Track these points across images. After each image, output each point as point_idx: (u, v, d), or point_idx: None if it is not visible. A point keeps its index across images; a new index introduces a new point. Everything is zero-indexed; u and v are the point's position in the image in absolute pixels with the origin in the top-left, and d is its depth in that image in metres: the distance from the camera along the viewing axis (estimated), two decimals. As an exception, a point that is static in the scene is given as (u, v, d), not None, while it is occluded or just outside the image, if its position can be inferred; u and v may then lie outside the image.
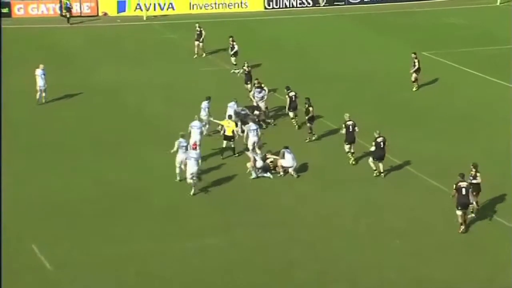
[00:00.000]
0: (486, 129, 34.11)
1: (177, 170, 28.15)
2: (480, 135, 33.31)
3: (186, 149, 28.04)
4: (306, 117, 32.35)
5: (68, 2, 51.68)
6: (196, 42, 44.50)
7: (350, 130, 29.85)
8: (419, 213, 26.47)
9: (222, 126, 31.29)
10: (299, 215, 26.28)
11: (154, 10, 54.87)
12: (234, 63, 41.55)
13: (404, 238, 24.85)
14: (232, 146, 30.86)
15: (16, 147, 31.18)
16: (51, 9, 53.45)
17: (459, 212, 25.05)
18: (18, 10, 53.01)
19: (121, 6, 54.66)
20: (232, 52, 41.79)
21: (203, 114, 31.88)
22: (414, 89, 39.31)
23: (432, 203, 27.04)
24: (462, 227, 25.14)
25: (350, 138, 29.97)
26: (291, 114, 33.63)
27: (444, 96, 38.71)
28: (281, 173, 29.04)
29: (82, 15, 53.30)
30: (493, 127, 34.18)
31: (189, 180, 27.26)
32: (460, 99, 38.31)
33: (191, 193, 27.25)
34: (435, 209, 26.63)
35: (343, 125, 30.04)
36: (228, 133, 30.78)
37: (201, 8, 55.73)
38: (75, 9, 52.82)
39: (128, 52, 44.92)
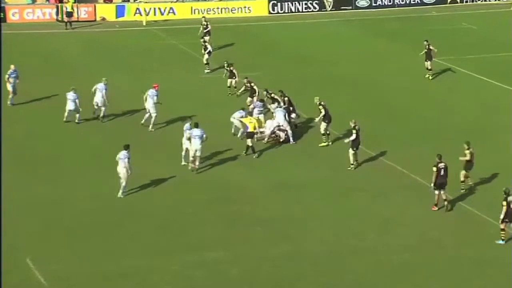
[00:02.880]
0: (498, 138, 34.24)
1: (183, 153, 30.21)
2: (492, 145, 33.41)
3: (201, 139, 30.07)
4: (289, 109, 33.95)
5: (68, 7, 51.97)
6: (206, 38, 44.68)
7: (356, 136, 30.58)
8: (428, 227, 26.57)
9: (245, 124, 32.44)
10: (305, 228, 26.42)
11: (154, 15, 55.20)
12: (206, 62, 41.92)
13: (413, 253, 24.95)
14: (251, 144, 31.94)
15: (10, 157, 31.37)
16: (47, 14, 53.76)
17: (436, 192, 26.89)
18: (12, 15, 53.30)
19: (120, 11, 55.00)
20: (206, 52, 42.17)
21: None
22: (430, 77, 40.92)
23: (442, 216, 27.16)
24: (436, 207, 27.01)
25: (356, 144, 30.63)
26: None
27: (455, 104, 38.89)
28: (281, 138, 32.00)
29: (80, 20, 53.61)
30: (506, 136, 34.31)
31: (191, 158, 29.70)
32: (472, 106, 38.47)
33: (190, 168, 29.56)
34: (446, 222, 26.74)
35: (353, 131, 30.55)
36: (251, 129, 32.01)
37: (203, 12, 56.00)
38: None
39: (127, 59, 45.22)
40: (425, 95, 40.28)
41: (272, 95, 35.59)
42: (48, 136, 34.22)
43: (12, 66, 35.49)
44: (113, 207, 27.65)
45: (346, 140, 31.01)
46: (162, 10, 55.68)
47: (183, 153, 30.69)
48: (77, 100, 34.63)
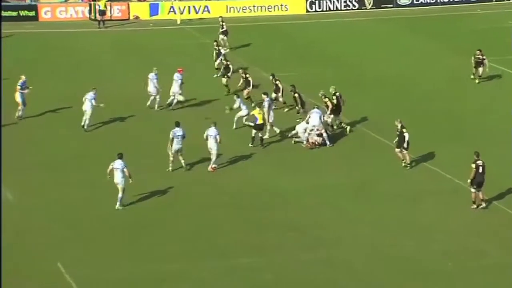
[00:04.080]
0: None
1: (171, 158, 30.27)
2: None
3: (183, 138, 30.25)
4: (298, 106, 35.11)
5: (101, 5, 52.54)
6: (222, 36, 45.00)
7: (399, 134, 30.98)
8: (470, 233, 26.53)
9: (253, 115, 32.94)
10: (338, 234, 26.53)
11: (189, 13, 55.59)
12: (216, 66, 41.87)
13: (452, 260, 24.92)
14: (260, 135, 32.70)
15: (37, 160, 31.85)
16: (80, 13, 54.39)
17: (473, 190, 27.22)
18: (45, 14, 54.03)
19: (153, 9, 55.49)
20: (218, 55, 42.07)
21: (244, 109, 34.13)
22: (477, 81, 41.09)
23: (484, 222, 27.06)
24: (474, 205, 27.23)
25: (400, 142, 30.98)
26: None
27: (498, 106, 38.62)
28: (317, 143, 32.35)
29: (113, 18, 54.19)
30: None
31: (171, 158, 30.33)
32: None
33: (169, 169, 30.24)
34: (488, 228, 26.65)
35: (402, 130, 30.94)
36: (260, 121, 32.48)
37: (238, 11, 56.31)
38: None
39: (159, 58, 45.52)
40: (466, 96, 40.11)
41: (277, 82, 36.24)
42: (73, 137, 34.55)
43: (23, 77, 35.45)
44: (143, 211, 27.96)
45: (395, 141, 31.18)
46: (197, 8, 56.07)
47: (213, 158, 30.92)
48: (93, 101, 34.72)
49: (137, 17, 55.13)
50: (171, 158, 30.65)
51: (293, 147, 33.47)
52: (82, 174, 30.41)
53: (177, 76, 37.00)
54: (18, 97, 35.21)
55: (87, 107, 34.64)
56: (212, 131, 30.58)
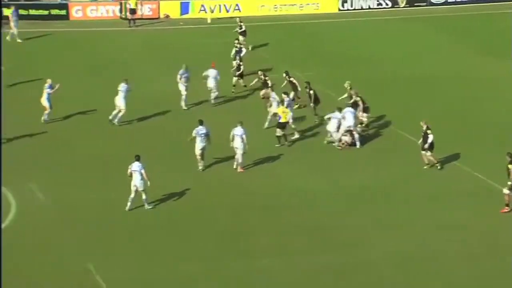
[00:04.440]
0: None
1: (198, 157, 30.49)
2: None
3: (207, 137, 30.22)
4: (311, 103, 35.21)
5: (131, 4, 52.81)
6: (241, 37, 45.12)
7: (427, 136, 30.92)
8: (501, 235, 26.42)
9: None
10: (364, 236, 26.50)
11: (220, 12, 55.72)
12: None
13: (482, 263, 24.78)
14: (283, 133, 32.86)
15: (70, 160, 32.10)
16: (111, 11, 54.73)
17: (507, 191, 27.06)
18: (76, 13, 54.45)
19: (184, 8, 55.70)
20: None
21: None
22: None
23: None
24: (507, 208, 27.09)
25: (429, 145, 30.89)
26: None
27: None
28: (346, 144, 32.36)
29: (143, 17, 54.47)
30: None
31: (198, 157, 30.39)
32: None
33: (200, 168, 30.32)
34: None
35: (427, 131, 30.96)
36: (283, 120, 32.60)
37: (269, 9, 56.32)
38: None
39: (188, 58, 45.53)
40: (499, 98, 39.72)
41: (291, 79, 36.43)
42: (102, 135, 34.77)
43: (49, 80, 35.44)
44: (172, 212, 28.13)
45: (420, 142, 31.14)
46: (228, 7, 56.18)
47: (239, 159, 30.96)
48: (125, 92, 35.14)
49: (167, 16, 55.36)
50: (198, 157, 30.73)
51: (322, 147, 33.48)
52: (112, 174, 30.60)
53: (212, 72, 37.35)
54: (45, 101, 35.28)
55: (120, 100, 34.93)
56: (238, 131, 30.64)
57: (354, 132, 33.26)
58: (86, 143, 33.94)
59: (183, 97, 37.35)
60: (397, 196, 29.22)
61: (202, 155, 30.75)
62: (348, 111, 33.40)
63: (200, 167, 30.88)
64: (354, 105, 34.25)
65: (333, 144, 33.41)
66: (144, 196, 27.70)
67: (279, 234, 26.57)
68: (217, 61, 39.58)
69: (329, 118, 33.53)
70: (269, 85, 37.21)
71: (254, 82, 38.53)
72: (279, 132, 33.27)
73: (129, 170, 27.62)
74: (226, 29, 52.81)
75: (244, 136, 30.54)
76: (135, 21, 52.91)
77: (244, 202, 28.87)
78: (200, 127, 30.77)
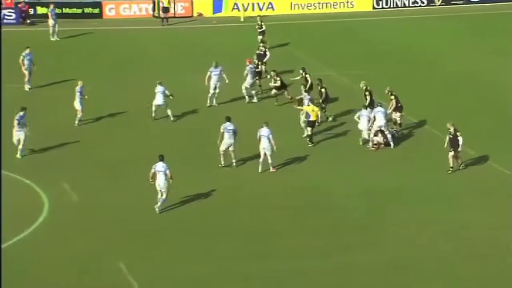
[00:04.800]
0: None
1: (221, 153, 30.71)
2: None
3: (234, 133, 30.38)
4: (321, 100, 35.07)
5: (164, 2, 53.05)
6: (260, 37, 45.20)
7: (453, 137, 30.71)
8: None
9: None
10: (403, 236, 26.42)
11: (253, 10, 55.78)
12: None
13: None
14: (310, 133, 32.99)
15: (98, 161, 32.26)
16: (144, 10, 55.01)
17: None
18: (109, 11, 54.82)
19: (217, 6, 55.83)
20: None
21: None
22: None
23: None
24: None
25: (454, 146, 30.62)
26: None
27: None
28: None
29: (176, 15, 54.69)
30: None
31: (221, 153, 30.69)
32: None
33: (221, 164, 30.63)
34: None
35: (454, 133, 30.78)
36: (313, 118, 32.72)
37: (303, 8, 56.28)
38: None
39: (221, 57, 45.59)
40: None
41: (307, 76, 36.62)
42: (135, 135, 34.92)
43: (80, 82, 35.44)
44: (206, 211, 28.21)
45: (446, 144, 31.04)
46: (261, 5, 56.21)
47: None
48: (166, 91, 35.37)
49: (200, 14, 55.53)
50: (221, 153, 30.88)
51: (353, 147, 33.37)
52: (144, 174, 30.76)
53: (251, 68, 37.61)
54: (77, 104, 35.27)
55: (159, 100, 35.32)
56: (264, 131, 30.60)
57: (387, 132, 33.09)
58: (117, 143, 34.13)
59: (209, 94, 37.36)
60: (431, 196, 29.08)
61: (227, 151, 30.83)
62: (379, 111, 33.21)
63: (222, 163, 30.99)
64: (370, 105, 34.04)
65: (367, 146, 33.26)
66: (163, 196, 27.59)
67: (316, 234, 26.54)
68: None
69: (358, 117, 33.41)
70: (286, 86, 37.27)
71: (297, 77, 38.27)
72: (309, 131, 33.29)
73: (152, 170, 27.57)
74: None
75: (271, 137, 30.52)
76: (167, 19, 53.13)
77: (271, 202, 28.84)
78: (228, 123, 30.96)
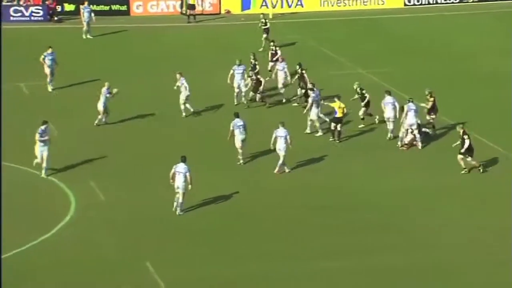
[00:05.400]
0: None
1: (239, 151, 31.06)
2: None
3: (245, 129, 30.63)
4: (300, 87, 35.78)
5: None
6: (265, 35, 45.02)
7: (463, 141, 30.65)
8: None
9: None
10: (439, 237, 26.35)
11: (282, 7, 55.75)
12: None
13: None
14: (339, 129, 32.99)
15: (125, 159, 32.40)
16: (171, 7, 55.20)
17: None
18: (136, 8, 55.07)
19: (245, 4, 55.86)
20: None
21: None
22: None
23: None
24: None
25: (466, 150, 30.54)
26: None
27: None
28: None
29: (204, 13, 54.82)
30: None
31: (239, 150, 31.06)
32: None
33: (240, 162, 30.92)
34: None
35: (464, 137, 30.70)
36: (339, 114, 32.95)
37: (332, 5, 56.15)
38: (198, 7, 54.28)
39: (244, 54, 45.61)
40: None
41: (303, 72, 36.57)
42: (162, 132, 35.06)
43: (107, 84, 35.31)
44: (231, 211, 28.30)
45: (454, 145, 30.94)
46: (290, 2, 56.17)
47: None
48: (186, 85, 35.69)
49: (228, 12, 55.61)
50: (239, 150, 31.05)
51: (385, 146, 33.28)
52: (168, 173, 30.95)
53: (281, 66, 37.60)
54: (100, 105, 35.17)
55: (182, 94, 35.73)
56: (281, 132, 30.60)
57: (415, 132, 32.91)
58: (145, 141, 34.26)
59: (235, 93, 37.39)
60: (467, 197, 28.97)
61: (242, 148, 31.05)
62: (412, 109, 33.00)
63: (240, 161, 31.08)
64: (367, 105, 34.20)
65: (397, 145, 33.14)
66: (180, 200, 27.60)
67: (344, 235, 26.56)
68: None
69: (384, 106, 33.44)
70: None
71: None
72: (333, 126, 33.38)
73: (172, 171, 27.59)
74: (288, 25, 52.90)
75: (288, 137, 30.47)
76: (194, 16, 53.26)
77: (305, 203, 28.86)
78: (237, 119, 31.27)
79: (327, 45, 47.37)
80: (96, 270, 24.74)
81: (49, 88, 39.55)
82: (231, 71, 37.61)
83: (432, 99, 34.12)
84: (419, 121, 33.21)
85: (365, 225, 27.17)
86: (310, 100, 34.34)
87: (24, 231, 26.50)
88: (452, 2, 57.22)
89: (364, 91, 34.81)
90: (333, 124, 33.50)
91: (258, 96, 37.44)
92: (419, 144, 33.00)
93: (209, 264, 25.03)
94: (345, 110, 33.53)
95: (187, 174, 27.31)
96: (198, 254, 25.58)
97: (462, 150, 30.51)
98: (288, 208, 28.46)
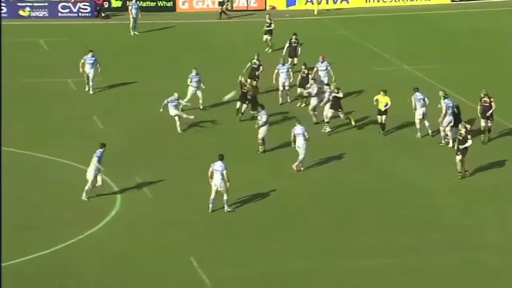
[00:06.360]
0: None
1: (260, 141, 31.82)
2: None
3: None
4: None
5: (223, -4, 53.21)
6: (266, 36, 44.67)
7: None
8: None
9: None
10: (479, 236, 26.17)
11: (327, 3, 55.66)
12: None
13: None
14: (383, 122, 33.17)
15: (170, 156, 32.46)
16: (216, 3, 55.36)
17: None
18: (182, 4, 55.39)
19: (290, 0, 55.86)
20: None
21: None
22: None
23: None
24: None
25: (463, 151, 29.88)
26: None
27: None
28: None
29: (249, 9, 54.93)
30: None
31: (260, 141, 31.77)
32: None
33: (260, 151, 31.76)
34: None
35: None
36: (381, 107, 33.13)
37: (378, 1, 55.89)
38: (237, 3, 54.35)
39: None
40: None
41: (308, 73, 36.23)
42: (212, 129, 34.98)
43: (176, 94, 34.32)
44: (275, 208, 28.29)
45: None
46: (335, -1, 56.07)
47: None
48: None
49: (273, 8, 55.64)
50: (260, 141, 31.74)
51: (427, 143, 33.08)
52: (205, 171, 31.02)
53: (321, 66, 37.35)
54: (173, 112, 34.36)
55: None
56: (299, 129, 30.43)
57: (448, 130, 32.37)
58: (189, 139, 34.22)
59: (280, 92, 37.30)
60: (505, 196, 28.77)
61: (263, 139, 31.71)
62: (450, 106, 32.36)
63: (260, 150, 31.62)
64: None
65: (441, 143, 32.94)
66: (225, 197, 27.58)
67: (391, 233, 26.45)
68: (325, 54, 39.35)
69: (414, 102, 33.19)
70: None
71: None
72: (379, 119, 33.60)
73: (210, 169, 27.56)
74: (333, 21, 52.74)
75: (306, 134, 30.36)
76: (226, 13, 53.15)
77: (350, 198, 28.84)
78: (263, 111, 31.92)
79: (372, 41, 47.10)
80: (140, 265, 24.93)
81: (90, 92, 38.77)
82: (276, 70, 37.60)
83: (488, 99, 32.73)
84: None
85: (412, 223, 27.01)
86: (326, 95, 34.19)
87: (71, 225, 26.87)
88: (499, -1, 56.49)
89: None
90: (379, 117, 33.63)
91: (244, 107, 35.32)
92: (450, 142, 32.19)
93: (254, 261, 25.03)
94: (388, 104, 33.34)
95: (224, 172, 27.30)
96: (241, 250, 25.61)
97: (461, 147, 29.54)
98: (330, 205, 28.41)
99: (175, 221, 27.52)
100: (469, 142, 29.64)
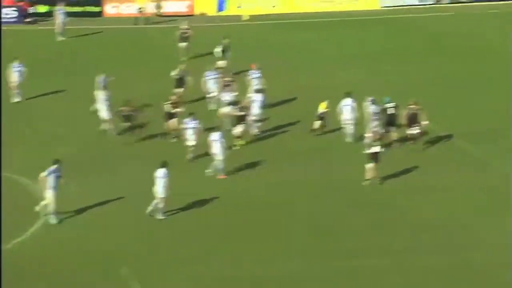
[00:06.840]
0: None
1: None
2: None
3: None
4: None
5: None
6: (182, 44, 43.79)
7: None
8: None
9: None
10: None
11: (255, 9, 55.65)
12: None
13: None
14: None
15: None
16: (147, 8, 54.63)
17: None
18: (111, 9, 54.83)
19: (221, 4, 55.72)
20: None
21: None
22: None
23: None
24: None
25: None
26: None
27: None
28: None
29: (178, 14, 54.50)
30: None
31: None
32: None
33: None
34: None
35: None
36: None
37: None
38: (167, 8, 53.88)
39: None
40: None
41: (233, 80, 36.05)
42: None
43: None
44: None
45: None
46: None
47: None
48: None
49: (203, 14, 55.39)
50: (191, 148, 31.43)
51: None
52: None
53: (258, 73, 36.73)
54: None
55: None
56: (216, 136, 30.29)
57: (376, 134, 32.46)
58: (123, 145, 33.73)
59: (208, 99, 36.69)
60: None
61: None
62: (377, 112, 32.87)
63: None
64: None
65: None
66: (161, 205, 27.44)
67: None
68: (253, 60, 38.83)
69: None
70: None
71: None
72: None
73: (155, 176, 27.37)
74: (263, 26, 52.40)
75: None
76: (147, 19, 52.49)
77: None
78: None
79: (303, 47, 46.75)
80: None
81: (15, 100, 37.76)
82: (204, 78, 36.52)
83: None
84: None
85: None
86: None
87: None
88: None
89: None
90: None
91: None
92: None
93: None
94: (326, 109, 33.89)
95: (166, 179, 27.15)
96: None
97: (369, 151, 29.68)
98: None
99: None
100: (377, 148, 29.71)
